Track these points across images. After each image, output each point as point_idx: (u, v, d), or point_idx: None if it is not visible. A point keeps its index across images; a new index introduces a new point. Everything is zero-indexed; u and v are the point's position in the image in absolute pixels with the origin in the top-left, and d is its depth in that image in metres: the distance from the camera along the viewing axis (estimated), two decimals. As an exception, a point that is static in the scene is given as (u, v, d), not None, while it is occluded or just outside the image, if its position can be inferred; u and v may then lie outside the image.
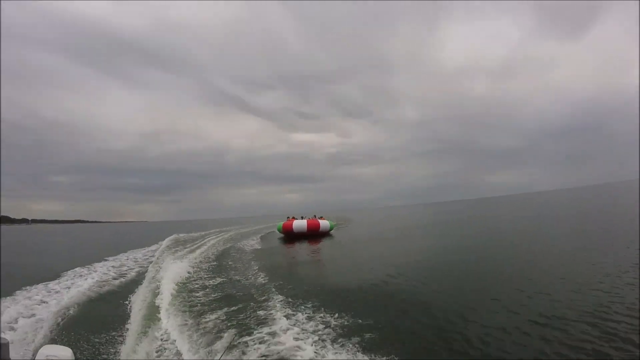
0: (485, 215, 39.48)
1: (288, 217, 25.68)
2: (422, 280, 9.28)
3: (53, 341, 6.10)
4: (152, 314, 7.39)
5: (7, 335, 6.09)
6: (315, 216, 25.51)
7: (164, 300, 8.23)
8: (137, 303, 8.30)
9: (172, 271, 11.34)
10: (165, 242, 23.04)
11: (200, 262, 14.73)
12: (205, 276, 11.51)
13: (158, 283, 9.97)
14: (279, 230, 25.28)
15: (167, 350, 5.68)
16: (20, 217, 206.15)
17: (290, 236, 23.79)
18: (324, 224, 24.29)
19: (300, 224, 23.68)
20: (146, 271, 12.83)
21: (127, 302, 8.71)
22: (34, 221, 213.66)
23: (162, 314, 7.32)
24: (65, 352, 2.30)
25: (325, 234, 24.47)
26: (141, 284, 10.50)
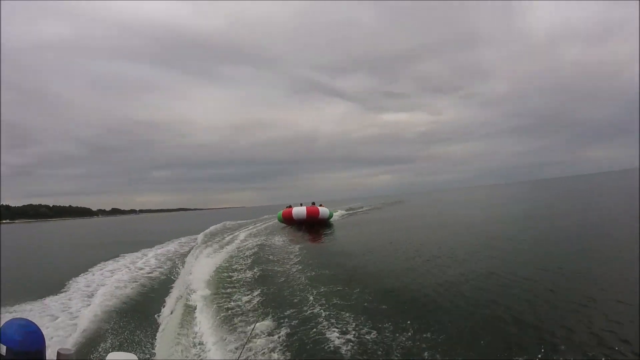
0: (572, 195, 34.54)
1: (288, 206, 25.72)
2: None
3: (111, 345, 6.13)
4: (186, 310, 7.36)
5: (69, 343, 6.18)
6: (314, 203, 25.24)
7: (198, 294, 8.18)
8: (172, 299, 8.34)
9: (206, 264, 11.46)
10: (210, 230, 23.80)
11: (240, 251, 14.79)
12: (241, 267, 11.40)
13: (192, 276, 10.03)
14: (279, 219, 25.31)
15: (200, 349, 5.67)
16: (129, 209, 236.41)
17: (290, 223, 23.97)
18: (323, 210, 24.17)
19: (299, 211, 23.74)
20: (183, 262, 13.19)
21: (164, 295, 8.89)
22: (142, 211, 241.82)
23: (197, 310, 7.27)
24: (131, 357, 2.27)
25: (324, 221, 24.34)
26: (177, 277, 10.63)
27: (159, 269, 12.51)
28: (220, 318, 6.76)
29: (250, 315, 6.86)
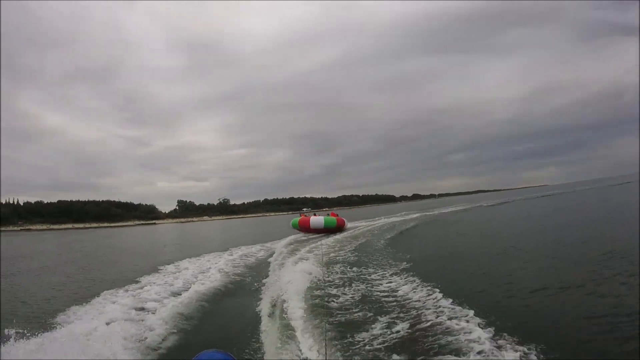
0: None
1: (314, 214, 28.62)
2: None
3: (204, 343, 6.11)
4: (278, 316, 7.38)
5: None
6: (315, 214, 27.76)
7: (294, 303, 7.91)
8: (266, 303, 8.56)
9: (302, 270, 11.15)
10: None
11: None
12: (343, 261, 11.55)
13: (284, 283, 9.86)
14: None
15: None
16: (428, 194, 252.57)
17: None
18: (315, 221, 24.56)
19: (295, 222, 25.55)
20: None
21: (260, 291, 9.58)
22: (440, 195, 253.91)
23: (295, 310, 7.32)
24: (226, 357, 2.18)
25: (320, 231, 24.08)
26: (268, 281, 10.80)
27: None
28: (314, 318, 6.91)
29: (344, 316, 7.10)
